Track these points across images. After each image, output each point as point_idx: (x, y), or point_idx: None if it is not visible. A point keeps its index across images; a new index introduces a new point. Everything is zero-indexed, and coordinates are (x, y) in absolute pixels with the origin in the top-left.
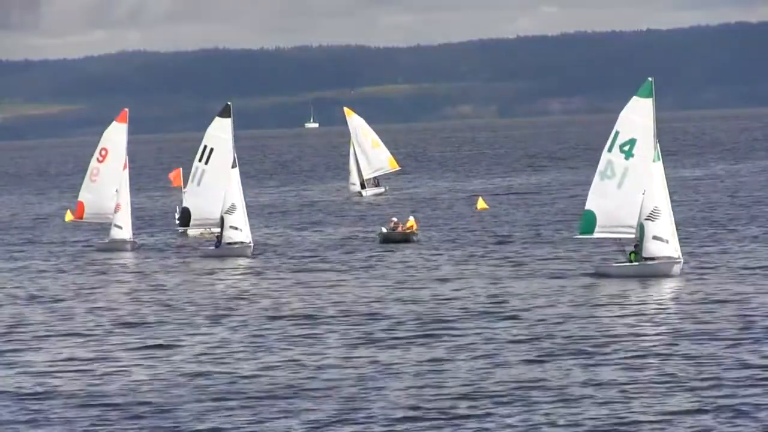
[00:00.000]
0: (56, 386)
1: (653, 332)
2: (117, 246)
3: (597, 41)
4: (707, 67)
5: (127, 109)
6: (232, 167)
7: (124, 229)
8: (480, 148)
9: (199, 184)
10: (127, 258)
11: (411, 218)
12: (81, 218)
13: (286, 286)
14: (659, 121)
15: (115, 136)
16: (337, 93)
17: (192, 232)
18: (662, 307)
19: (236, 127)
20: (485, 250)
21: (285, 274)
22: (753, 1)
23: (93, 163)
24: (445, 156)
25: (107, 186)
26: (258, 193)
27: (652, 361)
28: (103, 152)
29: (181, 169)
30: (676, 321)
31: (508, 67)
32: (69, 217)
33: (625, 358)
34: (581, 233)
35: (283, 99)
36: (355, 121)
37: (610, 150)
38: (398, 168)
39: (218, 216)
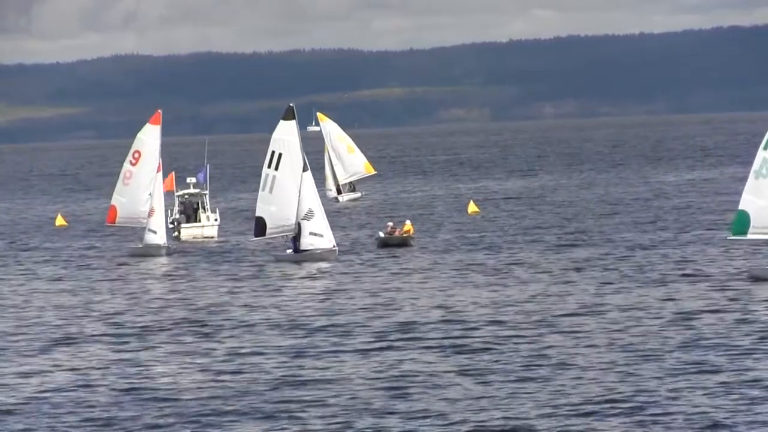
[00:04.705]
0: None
1: None
2: (151, 251)
3: (590, 45)
4: (700, 71)
5: (160, 111)
6: (304, 171)
7: (158, 234)
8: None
9: (271, 191)
10: (170, 263)
11: (408, 222)
12: (113, 223)
13: (288, 293)
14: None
15: (149, 138)
16: (329, 97)
17: (185, 236)
18: None
19: (228, 130)
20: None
21: (284, 282)
22: (746, 5)
23: (126, 165)
24: (422, 160)
25: (141, 189)
26: (235, 199)
27: None
28: (136, 155)
29: (173, 173)
30: None
31: (502, 70)
32: (60, 221)
33: None
34: (734, 234)
35: (276, 103)
36: (329, 127)
37: (765, 147)
38: (374, 172)
39: (294, 222)
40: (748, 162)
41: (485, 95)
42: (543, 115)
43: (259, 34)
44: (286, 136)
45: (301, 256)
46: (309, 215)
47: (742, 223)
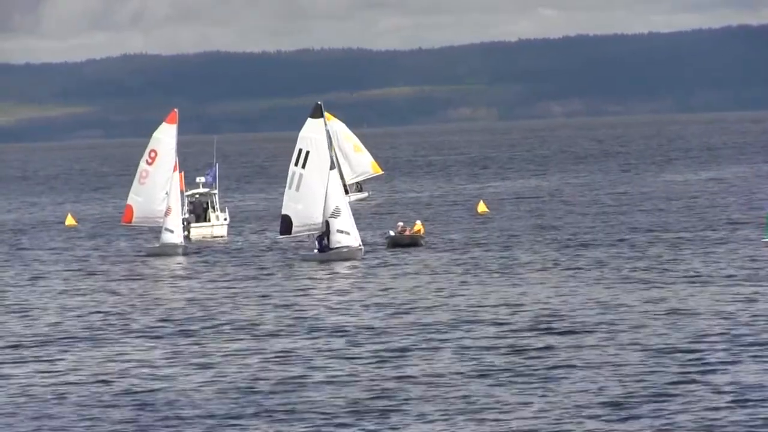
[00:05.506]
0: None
1: None
2: (168, 251)
3: (598, 44)
4: (707, 70)
5: (176, 110)
6: (331, 169)
7: (175, 233)
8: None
9: (298, 189)
10: (187, 263)
11: (418, 222)
12: (129, 222)
13: (299, 293)
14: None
15: (165, 137)
16: (336, 96)
17: (195, 235)
18: None
19: (234, 129)
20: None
21: (295, 282)
22: (755, 5)
23: (142, 165)
24: (430, 160)
25: (157, 189)
26: (242, 199)
27: None
28: (152, 154)
29: (182, 173)
30: None
31: (509, 69)
32: (70, 221)
33: None
34: None
35: (283, 103)
36: (336, 126)
37: None
38: (381, 172)
39: (320, 220)
40: (753, 162)
41: (492, 94)
42: (550, 114)
43: (267, 34)
44: (313, 134)
45: (326, 255)
46: (336, 213)
47: None
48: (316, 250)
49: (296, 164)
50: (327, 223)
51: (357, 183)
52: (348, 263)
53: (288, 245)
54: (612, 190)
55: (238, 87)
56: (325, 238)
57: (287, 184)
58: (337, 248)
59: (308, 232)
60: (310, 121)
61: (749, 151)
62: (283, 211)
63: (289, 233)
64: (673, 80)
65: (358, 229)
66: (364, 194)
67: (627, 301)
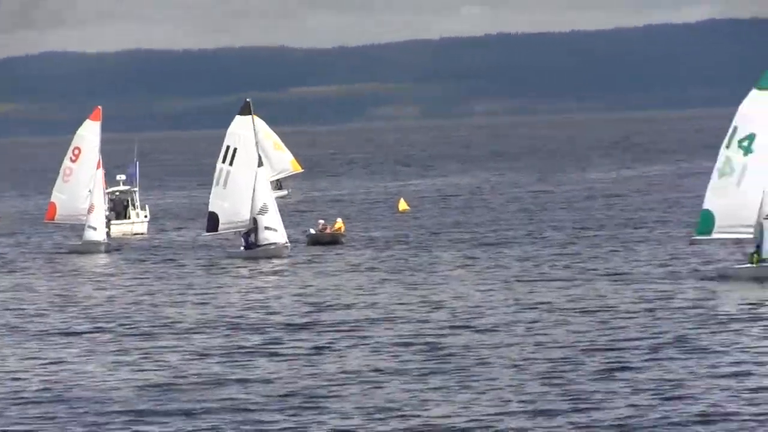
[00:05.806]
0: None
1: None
2: (90, 248)
3: (522, 43)
4: (628, 68)
5: (100, 107)
6: (259, 166)
7: (98, 231)
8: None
9: (225, 186)
10: (109, 260)
11: (339, 220)
12: (53, 220)
13: (221, 290)
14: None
15: (89, 134)
16: (260, 95)
17: (115, 232)
18: None
19: (159, 128)
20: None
21: (212, 278)
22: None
23: (65, 162)
24: (351, 158)
25: (80, 186)
26: (163, 197)
27: None
28: (76, 151)
29: (103, 171)
30: None
31: (432, 68)
32: None
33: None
34: (699, 234)
35: (208, 101)
36: (256, 123)
37: (728, 146)
38: (301, 170)
39: (247, 218)
40: (659, 161)
41: (416, 93)
42: (474, 113)
43: (189, 31)
44: (242, 130)
45: (253, 252)
46: (263, 210)
47: (706, 222)
48: (242, 248)
49: (224, 161)
50: (255, 220)
51: (277, 181)
52: (270, 261)
53: (212, 242)
54: (534, 188)
55: (162, 85)
56: (252, 235)
57: (214, 181)
58: (264, 245)
59: (235, 230)
60: (238, 118)
61: (669, 149)
62: (210, 209)
63: (216, 231)
64: (599, 79)
65: (291, 225)
66: (284, 192)
67: (547, 299)
